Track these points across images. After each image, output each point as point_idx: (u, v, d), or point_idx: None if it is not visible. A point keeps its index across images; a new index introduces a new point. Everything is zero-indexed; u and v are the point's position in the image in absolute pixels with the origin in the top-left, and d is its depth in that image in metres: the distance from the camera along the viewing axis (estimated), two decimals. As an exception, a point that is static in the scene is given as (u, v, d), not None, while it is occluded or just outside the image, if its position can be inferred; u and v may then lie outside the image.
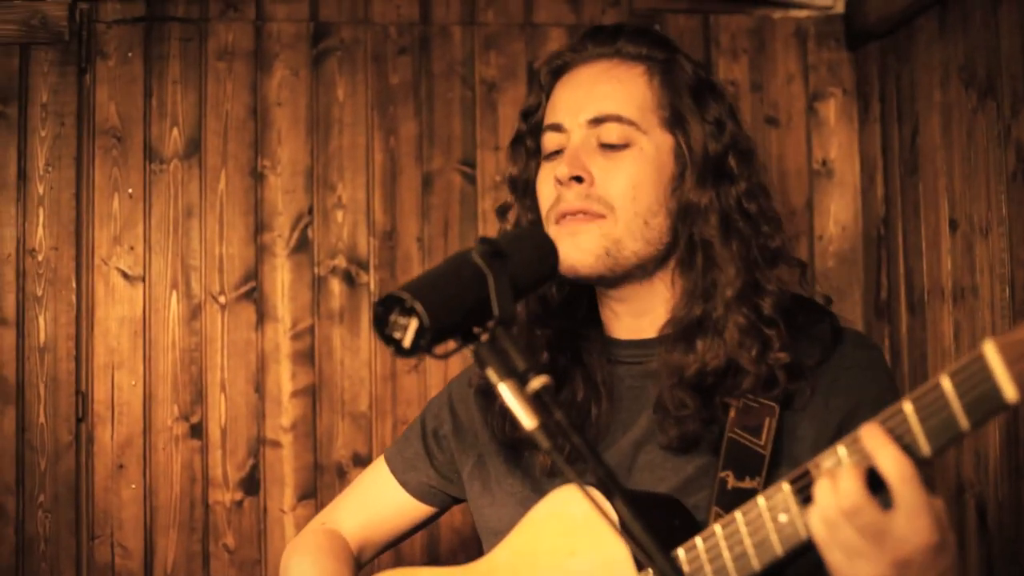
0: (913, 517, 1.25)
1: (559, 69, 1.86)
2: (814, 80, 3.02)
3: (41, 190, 2.83)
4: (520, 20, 2.97)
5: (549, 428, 1.31)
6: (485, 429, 1.90)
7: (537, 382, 1.32)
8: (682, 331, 1.74)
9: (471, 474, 1.93)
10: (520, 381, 1.33)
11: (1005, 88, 2.25)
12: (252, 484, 2.83)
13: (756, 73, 3.00)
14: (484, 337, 1.37)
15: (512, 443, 1.84)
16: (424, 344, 1.35)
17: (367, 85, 2.93)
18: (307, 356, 2.86)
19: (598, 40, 1.85)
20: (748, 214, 1.77)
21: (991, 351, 1.17)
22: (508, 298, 1.41)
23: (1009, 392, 1.17)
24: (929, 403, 1.24)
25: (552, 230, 1.74)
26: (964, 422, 1.21)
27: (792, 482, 1.36)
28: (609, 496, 1.30)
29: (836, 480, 1.28)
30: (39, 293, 2.81)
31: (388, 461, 2.04)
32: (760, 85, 3.00)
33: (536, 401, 1.32)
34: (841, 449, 1.30)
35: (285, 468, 2.84)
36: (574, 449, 1.32)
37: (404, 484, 2.02)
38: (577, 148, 1.76)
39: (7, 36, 2.84)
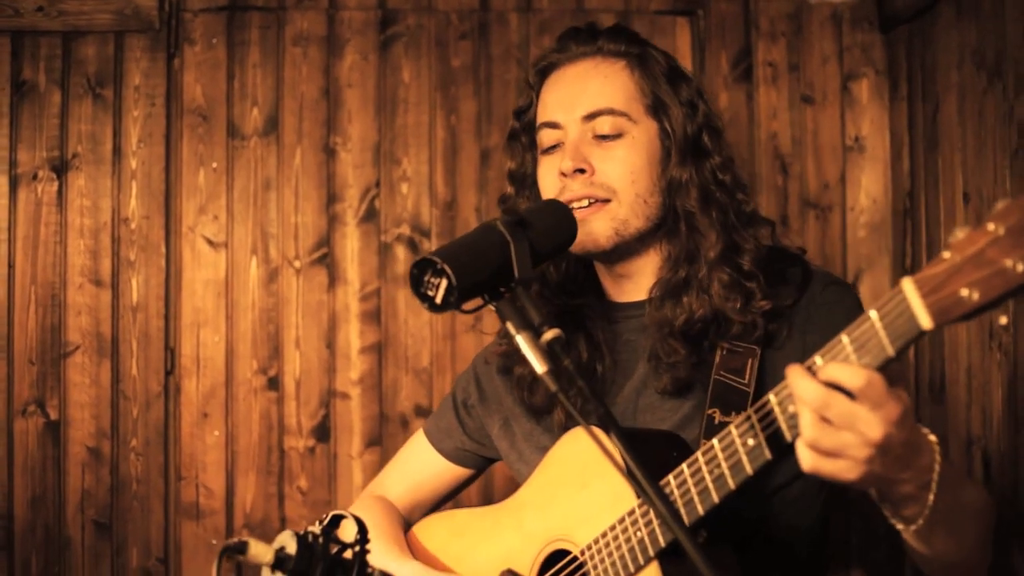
0: (874, 396, 1.41)
1: (545, 69, 2.04)
2: (848, 61, 3.21)
3: (134, 165, 3.11)
4: (572, 6, 3.20)
5: (558, 374, 1.51)
6: (508, 396, 2.13)
7: (550, 334, 1.53)
8: (670, 290, 1.93)
9: (498, 435, 2.16)
10: (535, 333, 1.53)
11: (1010, 71, 2.43)
12: (323, 432, 3.09)
13: (794, 55, 3.20)
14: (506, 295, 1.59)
15: (533, 407, 2.06)
16: (453, 301, 1.57)
17: (430, 68, 3.17)
18: (374, 316, 3.11)
19: (580, 40, 2.02)
20: (723, 184, 1.96)
21: (908, 286, 1.33)
22: (527, 262, 1.61)
23: (924, 321, 1.33)
24: (861, 334, 1.41)
25: None
26: (890, 349, 1.38)
27: (756, 411, 1.55)
28: (607, 432, 1.49)
29: (798, 389, 1.44)
30: (132, 258, 3.10)
31: (426, 434, 2.28)
32: (797, 66, 3.20)
33: (548, 350, 1.52)
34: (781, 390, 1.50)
35: (353, 418, 3.10)
36: (580, 393, 1.53)
37: (442, 451, 2.25)
38: (576, 142, 1.94)
39: (103, 25, 3.13)
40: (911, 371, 2.93)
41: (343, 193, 3.14)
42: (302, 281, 3.12)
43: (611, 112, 1.95)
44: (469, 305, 1.61)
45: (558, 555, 1.89)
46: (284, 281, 3.12)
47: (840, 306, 1.90)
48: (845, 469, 1.45)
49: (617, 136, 1.95)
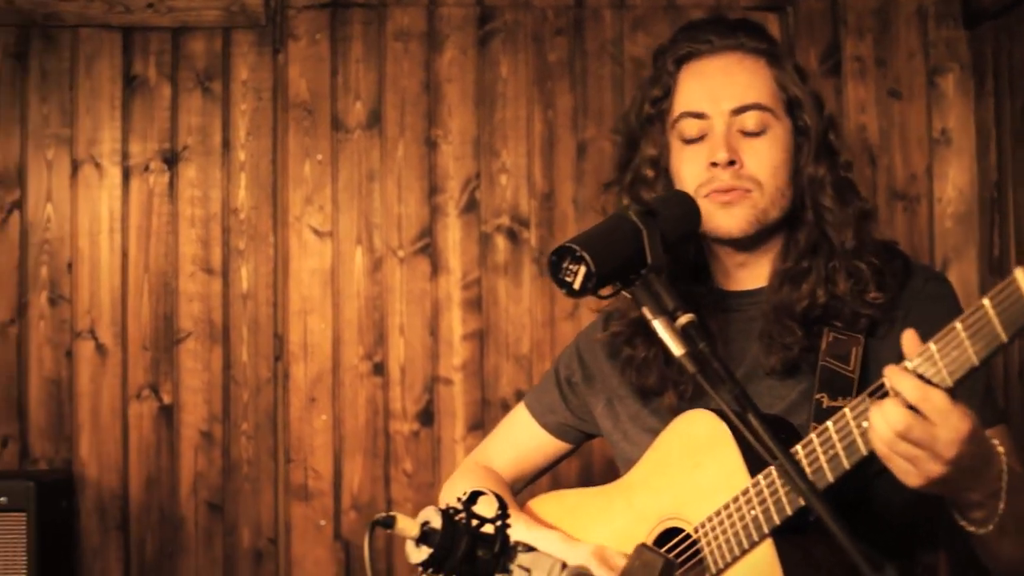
0: (948, 420, 1.54)
1: (683, 59, 2.08)
2: (934, 56, 3.30)
3: (242, 157, 3.21)
4: (664, 3, 3.29)
5: (694, 356, 1.60)
6: (614, 376, 2.20)
7: (685, 318, 1.62)
8: (791, 277, 2.02)
9: (602, 414, 2.23)
10: (670, 318, 1.63)
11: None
12: (427, 416, 3.19)
13: (881, 50, 3.29)
14: (639, 282, 1.68)
15: (642, 389, 2.13)
16: (591, 287, 1.66)
17: (527, 63, 3.27)
18: (475, 304, 3.21)
19: (721, 33, 2.07)
20: (849, 181, 2.06)
21: (1021, 275, 1.43)
22: (659, 249, 1.70)
23: None
24: (975, 321, 1.50)
25: (702, 203, 1.99)
26: (1003, 335, 1.48)
27: (870, 395, 1.64)
28: (744, 411, 1.58)
29: (883, 409, 1.56)
30: (241, 247, 3.20)
31: (528, 407, 2.35)
32: (884, 61, 3.29)
33: (684, 334, 1.62)
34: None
35: (456, 403, 3.20)
36: (715, 375, 1.61)
37: (544, 425, 2.32)
38: (727, 135, 2.01)
39: (211, 21, 3.23)
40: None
41: (444, 185, 3.24)
42: (405, 270, 3.22)
43: (759, 107, 2.02)
44: (605, 291, 1.70)
45: (671, 533, 1.96)
46: (388, 270, 3.21)
47: (942, 300, 1.99)
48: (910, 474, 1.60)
49: (762, 132, 2.02)
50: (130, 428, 3.17)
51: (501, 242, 3.23)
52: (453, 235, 3.23)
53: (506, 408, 3.18)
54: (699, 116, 2.05)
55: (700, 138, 2.05)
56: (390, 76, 3.25)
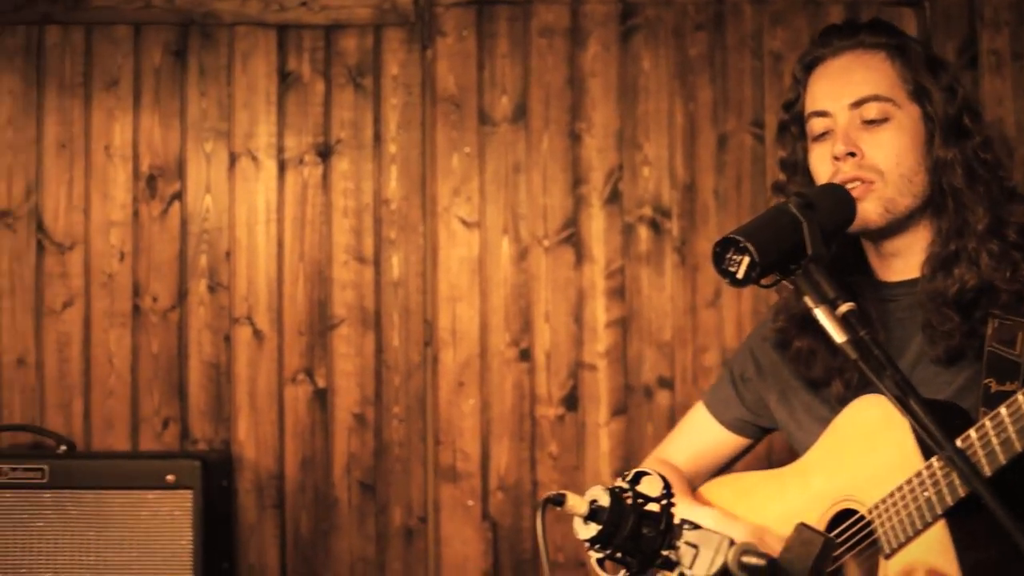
0: None
1: (810, 64, 2.21)
2: (1071, 49, 3.34)
3: (393, 150, 3.33)
4: (802, -1, 3.37)
5: (856, 343, 1.67)
6: (784, 369, 2.29)
7: (845, 307, 1.69)
8: (940, 263, 2.09)
9: (776, 406, 2.33)
10: (831, 306, 1.70)
11: None
12: (572, 401, 3.28)
13: (1018, 43, 3.33)
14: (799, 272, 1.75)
15: (810, 380, 2.23)
16: (754, 276, 1.74)
17: (668, 57, 3.35)
18: (618, 292, 3.30)
19: (842, 35, 2.19)
20: (985, 162, 2.12)
21: None
22: (819, 239, 1.77)
23: None
24: None
25: None
26: None
27: None
28: (905, 396, 1.65)
29: None
30: (392, 236, 3.31)
31: (707, 405, 2.45)
32: (1021, 54, 3.33)
33: (845, 322, 1.69)
34: None
35: (600, 388, 3.28)
36: (877, 361, 1.68)
37: (722, 422, 2.42)
38: (846, 128, 2.11)
39: (363, 19, 3.34)
40: None
41: (588, 176, 3.33)
42: (550, 259, 3.31)
43: (876, 98, 2.11)
44: (766, 280, 1.78)
45: (844, 515, 2.03)
46: (533, 259, 3.31)
47: None
48: None
49: (884, 120, 2.11)
50: (286, 410, 3.28)
51: (643, 232, 3.31)
52: (597, 225, 3.31)
53: (649, 394, 3.26)
54: (823, 114, 2.16)
55: (825, 134, 2.16)
56: (535, 71, 3.34)
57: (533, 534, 3.22)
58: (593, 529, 1.59)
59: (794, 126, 2.25)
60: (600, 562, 1.66)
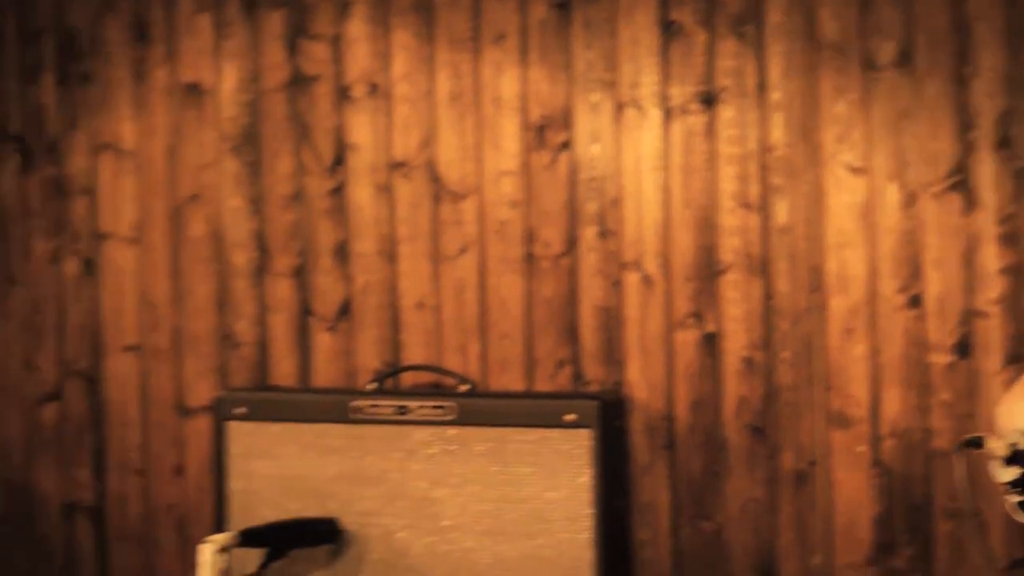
0: None
1: None
2: None
3: (777, 97, 3.35)
4: None
5: None
6: None
7: None
8: None
9: None
10: None
11: None
12: (964, 348, 3.26)
13: None
14: None
15: None
16: None
17: (1061, 0, 3.29)
18: (1011, 239, 3.26)
19: None
20: None
21: None
22: None
23: None
24: None
25: None
26: None
27: None
28: None
29: None
30: (778, 183, 3.34)
31: None
32: None
33: None
34: None
35: (992, 336, 3.25)
36: None
37: None
38: None
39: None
40: None
41: (976, 121, 3.29)
42: (938, 206, 3.29)
43: None
44: None
45: None
46: (921, 205, 3.29)
47: None
48: None
49: None
50: (675, 354, 3.36)
51: (1036, 176, 3.27)
52: (987, 171, 3.28)
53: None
54: None
55: None
56: (919, 16, 3.32)
57: (925, 481, 3.23)
58: (1014, 472, 1.56)
59: None
60: (1021, 505, 1.63)
